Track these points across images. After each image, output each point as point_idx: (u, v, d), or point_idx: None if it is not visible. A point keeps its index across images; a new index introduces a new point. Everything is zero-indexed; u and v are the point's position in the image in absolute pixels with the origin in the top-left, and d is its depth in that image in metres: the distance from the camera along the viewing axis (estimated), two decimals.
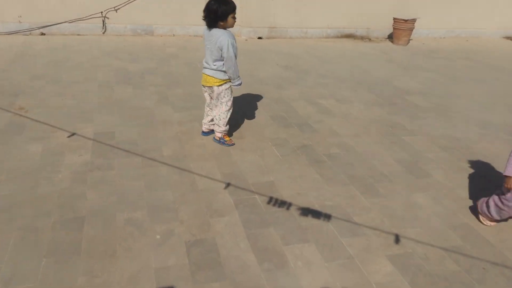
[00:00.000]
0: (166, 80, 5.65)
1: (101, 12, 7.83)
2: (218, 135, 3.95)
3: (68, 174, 3.29)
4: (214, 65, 3.62)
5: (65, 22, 7.69)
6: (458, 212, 3.15)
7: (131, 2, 7.93)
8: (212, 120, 3.98)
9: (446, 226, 2.99)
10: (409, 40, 8.59)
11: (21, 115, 4.25)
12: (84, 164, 3.44)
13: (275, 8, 8.36)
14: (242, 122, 4.42)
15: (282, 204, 3.10)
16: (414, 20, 8.29)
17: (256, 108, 4.86)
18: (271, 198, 3.15)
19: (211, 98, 3.87)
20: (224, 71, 3.65)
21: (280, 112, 4.79)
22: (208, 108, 3.96)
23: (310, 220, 2.94)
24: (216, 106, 3.83)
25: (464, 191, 3.43)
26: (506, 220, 3.05)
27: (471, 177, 3.67)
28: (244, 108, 4.79)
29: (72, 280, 2.32)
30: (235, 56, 3.57)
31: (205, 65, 3.71)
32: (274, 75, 6.15)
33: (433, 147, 4.19)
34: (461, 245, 2.80)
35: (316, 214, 3.01)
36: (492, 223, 3.00)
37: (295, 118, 4.65)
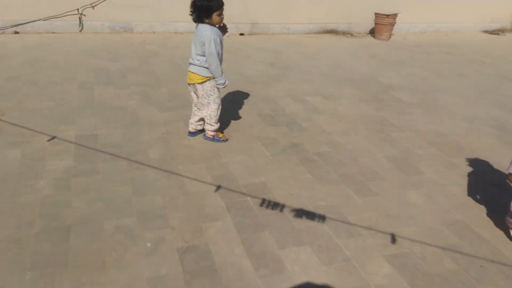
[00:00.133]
0: (148, 79, 5.49)
1: (77, 9, 7.58)
2: (210, 133, 3.85)
3: (50, 180, 3.14)
4: (198, 60, 3.52)
5: (39, 20, 7.41)
6: (451, 209, 3.14)
7: None
8: (199, 120, 3.88)
9: (441, 223, 2.96)
10: (390, 35, 8.62)
11: None
12: (67, 170, 3.29)
13: (256, 3, 8.26)
14: (230, 121, 4.32)
15: (275, 206, 3.02)
16: (395, 15, 8.32)
17: (243, 106, 4.77)
18: (263, 200, 3.07)
19: (197, 96, 3.76)
20: (207, 68, 3.55)
21: (268, 110, 4.71)
22: (195, 108, 3.85)
23: (304, 222, 2.88)
24: (203, 105, 3.73)
25: (456, 188, 3.42)
26: None
27: (461, 173, 3.66)
28: (231, 107, 4.69)
29: None
30: (218, 53, 3.46)
31: (190, 61, 3.61)
32: (259, 72, 6.06)
33: (422, 143, 4.18)
34: (458, 243, 2.78)
35: (310, 215, 2.95)
36: None
37: (283, 116, 4.57)
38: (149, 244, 2.58)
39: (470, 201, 3.26)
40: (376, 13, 8.47)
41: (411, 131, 4.43)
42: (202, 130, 3.99)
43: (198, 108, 3.83)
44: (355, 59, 7.23)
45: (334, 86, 5.72)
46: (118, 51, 6.75)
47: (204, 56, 3.50)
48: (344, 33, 9.00)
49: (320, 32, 8.90)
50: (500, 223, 2.98)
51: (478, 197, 3.25)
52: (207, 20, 3.43)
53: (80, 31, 7.72)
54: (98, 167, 3.37)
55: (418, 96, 5.52)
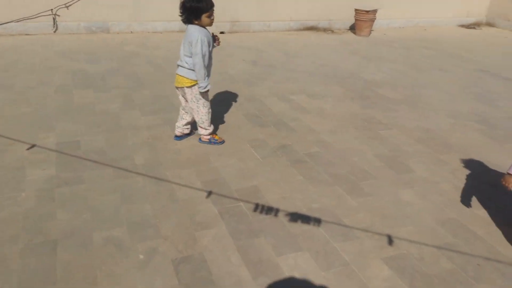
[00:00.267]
0: (129, 81, 5.34)
1: (51, 9, 7.33)
2: (206, 137, 3.77)
3: (32, 192, 3.00)
4: (186, 63, 3.42)
5: (11, 21, 7.13)
6: (445, 207, 3.13)
7: None
8: (187, 124, 3.78)
9: (435, 222, 2.95)
10: (371, 31, 8.65)
11: None
12: (50, 179, 3.15)
13: (236, 1, 8.16)
14: (216, 124, 4.22)
15: (269, 210, 2.96)
16: (375, 11, 8.35)
17: (229, 107, 4.68)
18: (257, 205, 3.00)
19: (186, 100, 3.66)
20: None
21: (254, 110, 4.63)
22: (183, 112, 3.74)
23: (300, 226, 2.82)
24: (193, 109, 3.63)
25: (447, 185, 3.43)
26: None
27: (451, 169, 3.67)
28: (216, 108, 4.58)
29: None
30: (204, 55, 3.35)
31: (178, 62, 3.50)
32: (243, 72, 5.98)
33: (409, 140, 4.18)
34: (453, 242, 2.77)
35: (305, 218, 2.89)
36: None
37: (270, 116, 4.51)
38: (141, 256, 2.48)
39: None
40: (356, 9, 8.48)
41: (398, 128, 4.43)
42: (189, 134, 3.89)
43: (186, 112, 3.73)
44: (337, 56, 7.22)
45: (319, 84, 5.68)
46: (95, 52, 6.55)
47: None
48: (324, 30, 8.99)
49: (301, 29, 8.86)
50: (496, 221, 2.99)
51: (471, 203, 3.20)
52: (196, 22, 3.34)
53: (55, 32, 7.47)
54: (82, 175, 3.23)
55: (402, 92, 5.54)
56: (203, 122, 3.68)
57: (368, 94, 5.41)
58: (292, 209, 2.98)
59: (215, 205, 2.99)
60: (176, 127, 3.83)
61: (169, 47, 7.00)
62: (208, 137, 3.78)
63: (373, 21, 8.50)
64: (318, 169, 3.53)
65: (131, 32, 7.95)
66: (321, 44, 7.95)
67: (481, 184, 3.48)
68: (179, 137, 3.86)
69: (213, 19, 3.38)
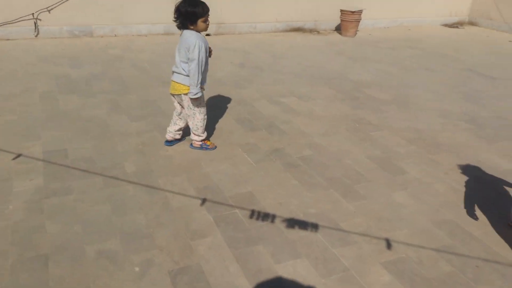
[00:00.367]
0: (115, 85, 5.23)
1: (32, 13, 7.15)
2: (197, 143, 3.70)
3: (20, 204, 2.89)
4: (183, 70, 3.35)
5: None
6: (440, 208, 3.13)
7: (65, 1, 7.32)
8: (179, 129, 3.71)
9: (431, 224, 2.95)
10: (356, 31, 8.67)
11: None
12: (38, 190, 3.05)
13: (221, 3, 8.08)
14: (207, 128, 4.13)
15: (266, 217, 2.91)
16: (360, 12, 8.37)
17: (219, 111, 4.62)
18: (253, 212, 2.95)
19: (182, 107, 3.59)
20: None
21: (245, 114, 4.58)
22: (177, 117, 3.67)
23: (297, 232, 2.78)
24: (189, 116, 3.57)
25: (440, 186, 3.43)
26: None
27: (443, 170, 3.68)
28: (206, 112, 4.51)
29: None
30: (201, 61, 3.30)
31: (174, 69, 3.44)
32: (231, 74, 5.92)
33: (401, 141, 4.18)
34: (451, 244, 2.76)
35: (302, 224, 2.85)
36: None
37: (260, 119, 4.46)
38: (137, 269, 2.40)
39: (456, 198, 3.28)
40: (341, 10, 8.49)
41: (388, 129, 4.43)
42: (180, 140, 3.83)
43: (180, 118, 3.66)
44: (324, 56, 7.21)
45: (307, 85, 5.66)
46: (79, 56, 6.41)
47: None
48: (310, 31, 8.98)
49: (287, 30, 8.84)
50: (491, 221, 3.00)
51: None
52: (192, 27, 3.28)
53: (36, 36, 7.29)
54: (71, 185, 3.14)
55: (390, 93, 5.55)
56: (198, 129, 3.61)
57: (356, 95, 5.41)
58: (288, 215, 2.94)
59: (210, 212, 2.93)
60: (168, 131, 3.75)
61: (154, 50, 6.90)
62: (200, 143, 3.72)
63: (359, 21, 8.53)
64: (312, 173, 3.49)
65: (115, 35, 7.82)
66: (308, 45, 7.94)
67: (474, 183, 3.50)
68: (169, 142, 3.79)
69: (208, 24, 3.34)
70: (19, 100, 4.60)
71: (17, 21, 7.07)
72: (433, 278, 2.48)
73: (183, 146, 3.81)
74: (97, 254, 2.49)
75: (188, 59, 3.29)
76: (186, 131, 3.84)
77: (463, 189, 3.39)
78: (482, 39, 9.27)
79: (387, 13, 9.70)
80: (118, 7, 7.65)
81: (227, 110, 4.66)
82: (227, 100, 4.95)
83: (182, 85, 3.41)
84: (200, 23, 3.26)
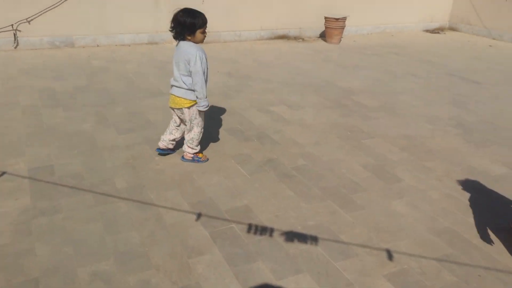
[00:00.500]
0: (101, 98, 5.11)
1: (12, 25, 6.97)
2: (189, 155, 3.62)
3: (6, 225, 2.76)
4: (184, 83, 3.29)
5: None
6: (437, 216, 3.11)
7: (45, 12, 7.16)
8: (173, 140, 3.63)
9: (431, 233, 2.92)
10: (341, 38, 8.71)
11: None
12: (24, 210, 2.91)
13: (205, 11, 8.00)
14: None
15: (264, 231, 2.84)
16: (344, 19, 8.42)
17: (208, 121, 4.52)
18: (250, 226, 2.88)
19: (181, 120, 3.51)
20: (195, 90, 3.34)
21: (235, 124, 4.51)
22: (175, 128, 3.61)
23: (297, 246, 2.72)
24: (187, 129, 3.51)
25: (436, 193, 3.42)
26: None
27: (437, 177, 3.67)
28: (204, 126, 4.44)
29: None
30: (204, 72, 3.26)
31: (173, 83, 3.36)
32: (218, 84, 5.84)
33: (393, 148, 4.17)
34: (451, 253, 2.73)
35: (302, 237, 2.79)
36: None
37: (252, 129, 4.40)
38: None
39: (452, 205, 3.26)
40: (326, 17, 8.52)
41: (380, 136, 4.42)
42: (172, 150, 3.74)
43: (177, 129, 3.59)
44: (311, 64, 7.21)
45: (296, 93, 5.63)
46: (62, 68, 6.26)
47: (190, 76, 3.27)
48: (295, 38, 8.99)
49: (271, 38, 8.83)
50: (491, 227, 2.99)
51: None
52: (189, 37, 3.22)
53: (15, 47, 7.10)
54: (60, 203, 3.02)
55: (378, 99, 5.56)
56: (193, 142, 3.54)
57: (345, 102, 5.40)
58: (287, 228, 2.88)
59: (206, 228, 2.85)
60: (162, 139, 3.66)
61: (139, 60, 6.79)
62: (192, 155, 3.64)
63: (343, 28, 8.57)
64: (307, 184, 3.44)
65: (98, 45, 7.67)
66: (293, 53, 7.93)
67: (469, 189, 3.49)
68: (162, 150, 3.70)
69: (205, 35, 3.30)
70: (1, 115, 4.44)
71: None
72: None
73: (174, 159, 3.72)
74: (91, 276, 2.38)
75: (190, 72, 3.23)
76: (179, 143, 3.75)
77: (459, 196, 3.39)
78: (463, 44, 9.42)
79: (370, 20, 9.79)
80: (99, 16, 7.52)
81: (217, 121, 4.59)
82: (217, 110, 4.88)
83: (183, 99, 3.35)
84: (198, 34, 3.22)
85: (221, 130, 4.35)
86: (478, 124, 4.88)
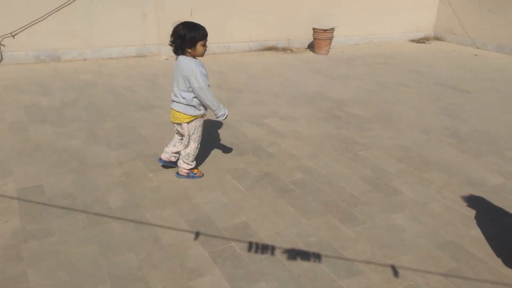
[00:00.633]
0: (90, 113, 4.99)
1: None
2: (184, 171, 3.53)
3: None
4: (183, 99, 3.23)
5: None
6: (439, 230, 3.06)
7: (30, 26, 7.03)
8: (177, 152, 3.56)
9: (434, 247, 2.87)
10: (329, 49, 8.74)
11: None
12: (14, 234, 2.78)
13: None
14: None
15: (265, 249, 2.75)
16: (332, 30, 8.46)
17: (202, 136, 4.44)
18: (250, 244, 2.79)
19: (182, 134, 3.44)
20: (195, 106, 3.27)
21: (229, 137, 4.44)
22: (178, 141, 3.55)
23: (300, 265, 2.63)
24: (184, 144, 3.43)
25: (436, 205, 3.38)
26: None
27: (436, 188, 3.64)
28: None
29: None
30: (209, 86, 3.21)
31: (173, 98, 3.31)
32: None
33: (389, 159, 4.13)
34: (456, 267, 2.68)
35: (304, 255, 2.71)
36: None
37: (246, 143, 4.33)
38: None
39: (453, 218, 3.22)
40: (314, 28, 8.55)
41: (376, 148, 4.39)
42: (174, 163, 3.64)
43: (181, 142, 3.52)
44: (301, 75, 7.19)
45: (288, 105, 5.59)
46: (48, 83, 6.12)
47: (189, 91, 3.22)
48: (284, 49, 8.99)
49: (260, 49, 8.82)
50: (491, 239, 2.96)
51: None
52: (189, 51, 3.16)
53: (0, 62, 6.95)
54: (52, 225, 2.89)
55: (371, 110, 5.55)
56: (188, 157, 3.46)
57: (338, 113, 5.38)
58: (288, 246, 2.80)
59: (205, 247, 2.75)
60: (165, 151, 3.60)
61: (127, 74, 6.69)
62: (187, 171, 3.54)
63: (331, 39, 8.61)
64: (307, 198, 3.37)
65: (84, 59, 7.56)
66: (283, 64, 7.92)
67: (467, 200, 3.47)
68: (163, 162, 3.63)
69: (206, 49, 3.25)
70: None
71: None
72: None
73: (168, 175, 3.62)
74: None
75: (189, 88, 3.18)
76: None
77: (459, 208, 3.35)
78: (449, 54, 9.53)
79: (357, 30, 9.86)
80: (86, 30, 7.42)
81: (211, 134, 4.51)
82: (209, 123, 4.79)
83: (182, 114, 3.29)
84: (199, 47, 3.17)
85: (215, 144, 4.27)
86: (472, 134, 4.88)
